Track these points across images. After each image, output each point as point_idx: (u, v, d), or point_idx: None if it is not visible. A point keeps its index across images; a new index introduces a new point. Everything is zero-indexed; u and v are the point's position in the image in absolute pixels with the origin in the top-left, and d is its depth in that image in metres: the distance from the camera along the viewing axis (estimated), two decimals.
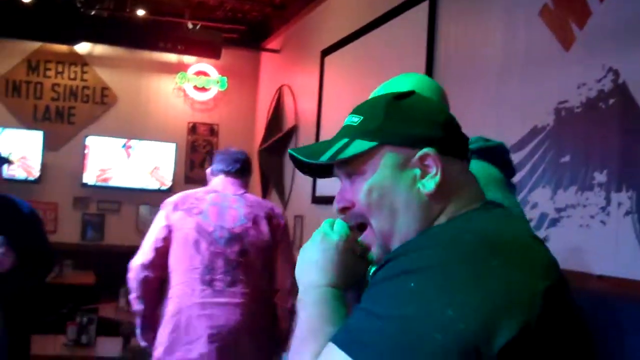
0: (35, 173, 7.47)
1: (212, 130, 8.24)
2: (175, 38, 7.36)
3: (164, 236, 3.29)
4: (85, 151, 7.63)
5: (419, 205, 1.10)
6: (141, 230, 7.63)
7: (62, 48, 7.74)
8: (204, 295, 3.21)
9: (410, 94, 1.18)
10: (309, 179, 5.96)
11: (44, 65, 7.78)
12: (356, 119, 1.17)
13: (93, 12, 6.91)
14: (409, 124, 1.12)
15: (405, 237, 1.09)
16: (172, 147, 7.88)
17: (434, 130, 1.12)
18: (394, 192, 1.10)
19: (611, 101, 2.71)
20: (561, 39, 3.00)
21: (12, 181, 7.38)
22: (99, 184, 7.68)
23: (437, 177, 1.09)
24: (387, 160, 1.11)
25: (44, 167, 7.51)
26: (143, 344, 3.45)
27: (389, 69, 4.62)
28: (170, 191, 7.59)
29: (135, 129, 7.86)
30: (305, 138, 6.41)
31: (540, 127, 3.07)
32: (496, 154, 1.88)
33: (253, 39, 8.00)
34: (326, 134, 5.84)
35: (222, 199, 3.40)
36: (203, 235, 3.27)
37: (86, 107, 7.86)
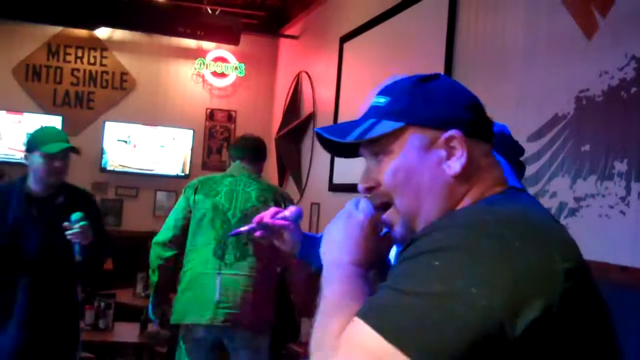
0: None
1: (230, 117, 8.24)
2: (194, 23, 7.35)
3: (184, 216, 3.68)
4: (104, 136, 7.66)
5: (443, 187, 1.11)
6: (158, 216, 7.68)
7: (82, 33, 7.77)
8: (215, 267, 3.58)
9: (435, 76, 1.18)
10: (327, 167, 5.95)
11: (64, 50, 7.82)
12: (382, 100, 1.18)
13: None
14: (434, 105, 1.13)
15: (429, 218, 1.11)
16: (189, 133, 7.89)
17: (459, 112, 1.13)
18: (420, 173, 1.12)
19: (633, 90, 2.67)
20: (584, 26, 2.96)
21: None
22: (117, 169, 7.72)
23: (463, 159, 1.09)
24: (413, 141, 1.12)
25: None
26: (153, 318, 3.88)
27: (409, 57, 4.60)
28: (187, 177, 7.61)
29: (153, 114, 7.88)
30: (322, 125, 6.38)
31: (560, 116, 3.04)
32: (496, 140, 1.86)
33: (272, 25, 7.98)
34: (344, 121, 5.81)
35: (237, 183, 3.73)
36: (218, 215, 3.63)
37: (105, 92, 7.89)
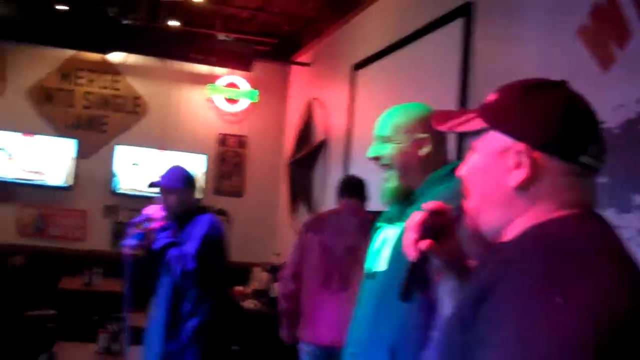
0: (67, 180, 7.56)
1: (242, 142, 8.29)
2: (207, 49, 7.43)
3: (300, 253, 4.21)
4: (116, 160, 7.71)
5: (503, 196, 1.14)
6: None
7: (95, 57, 7.84)
8: (323, 296, 4.06)
9: (545, 85, 1.18)
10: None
11: (77, 74, 7.88)
12: (492, 97, 1.21)
13: (127, 22, 6.99)
14: (519, 115, 1.15)
15: (488, 222, 1.16)
16: (202, 158, 7.93)
17: (540, 128, 1.13)
18: (488, 175, 1.16)
19: None
20: (600, 58, 2.99)
21: (45, 187, 7.48)
22: (129, 192, 7.75)
23: (523, 174, 1.11)
24: (492, 144, 1.16)
25: (75, 174, 7.59)
26: (285, 340, 4.34)
27: (422, 86, 4.63)
28: (198, 202, 7.63)
29: (166, 139, 7.93)
30: (334, 152, 6.42)
31: None
32: None
33: (284, 52, 8.05)
34: (356, 149, 5.85)
35: (341, 219, 4.18)
36: (325, 249, 4.09)
37: (118, 116, 7.94)
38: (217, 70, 8.06)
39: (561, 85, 1.19)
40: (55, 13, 6.89)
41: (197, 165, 7.86)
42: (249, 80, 8.16)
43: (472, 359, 0.99)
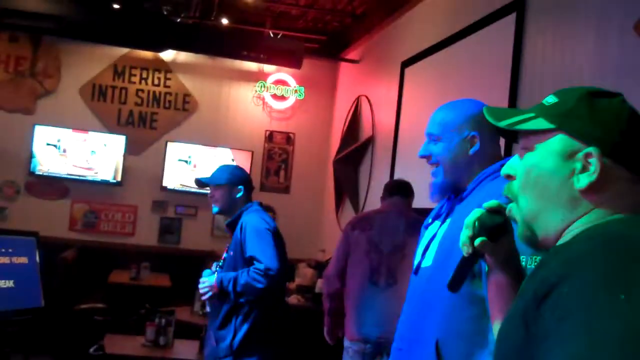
0: (117, 176, 7.68)
1: (289, 139, 8.31)
2: (258, 47, 7.47)
3: (346, 251, 4.21)
4: (166, 156, 7.80)
5: (568, 198, 1.14)
6: (216, 236, 7.75)
7: (148, 54, 7.96)
8: (370, 291, 4.04)
9: (612, 95, 1.20)
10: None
11: (129, 71, 8.00)
12: (551, 100, 1.22)
13: (179, 20, 7.07)
14: (590, 120, 1.16)
15: (546, 223, 1.17)
16: (248, 154, 7.98)
17: (611, 134, 1.14)
18: (551, 177, 1.16)
19: None
20: None
21: (96, 183, 7.61)
22: (177, 188, 7.84)
23: (593, 177, 1.11)
24: (556, 145, 1.17)
25: (125, 170, 7.71)
26: (328, 339, 4.36)
27: (472, 83, 4.57)
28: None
29: (214, 135, 8.00)
30: (381, 149, 6.39)
31: None
32: None
33: (332, 49, 8.04)
34: (404, 146, 5.81)
35: (387, 217, 4.17)
36: (372, 246, 4.10)
37: (168, 113, 8.04)
38: (266, 67, 8.10)
39: (621, 96, 1.21)
40: (110, 12, 7.00)
41: (243, 162, 7.91)
42: (297, 78, 8.18)
43: (533, 355, 1.01)
